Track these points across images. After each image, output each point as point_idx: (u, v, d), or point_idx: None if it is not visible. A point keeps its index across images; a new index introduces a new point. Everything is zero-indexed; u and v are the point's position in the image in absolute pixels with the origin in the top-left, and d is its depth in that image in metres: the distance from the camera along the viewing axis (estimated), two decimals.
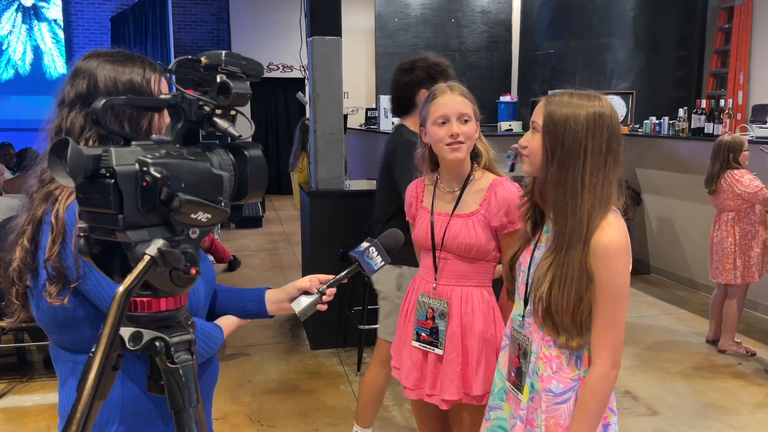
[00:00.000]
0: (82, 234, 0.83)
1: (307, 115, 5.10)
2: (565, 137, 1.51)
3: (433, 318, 2.01)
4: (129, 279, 0.75)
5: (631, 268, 1.56)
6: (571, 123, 1.51)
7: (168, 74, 1.13)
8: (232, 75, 0.91)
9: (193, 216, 0.81)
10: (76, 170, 0.73)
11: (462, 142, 1.93)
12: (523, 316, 1.69)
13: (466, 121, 1.93)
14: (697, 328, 4.69)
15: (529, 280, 1.66)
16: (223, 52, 0.91)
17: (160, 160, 0.79)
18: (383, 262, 1.50)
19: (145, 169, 0.77)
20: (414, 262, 2.23)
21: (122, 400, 1.26)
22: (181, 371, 0.84)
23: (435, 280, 2.02)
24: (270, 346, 4.38)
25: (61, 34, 11.96)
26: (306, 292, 1.49)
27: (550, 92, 1.61)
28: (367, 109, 9.58)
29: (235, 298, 1.54)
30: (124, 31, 11.30)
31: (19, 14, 11.82)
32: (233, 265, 6.46)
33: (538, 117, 1.56)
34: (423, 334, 2.03)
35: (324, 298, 1.47)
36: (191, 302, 1.33)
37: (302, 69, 4.68)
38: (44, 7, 11.88)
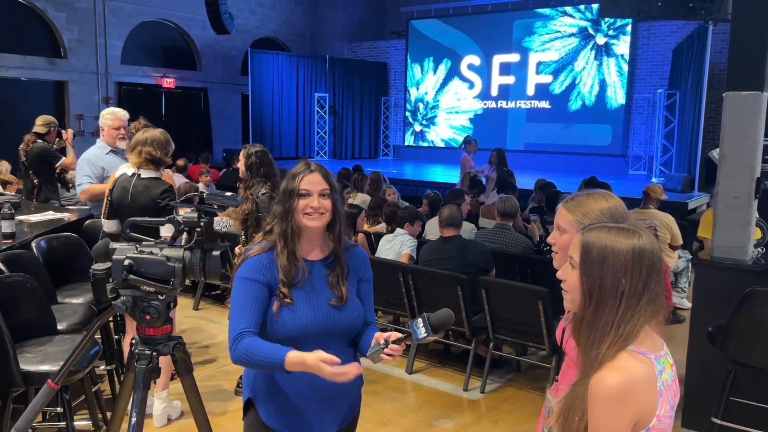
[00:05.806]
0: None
1: None
2: (604, 277, 1.42)
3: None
4: (104, 314, 1.52)
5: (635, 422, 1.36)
6: (610, 262, 1.42)
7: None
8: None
9: (142, 287, 1.51)
10: (97, 254, 1.55)
11: None
12: None
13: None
14: None
15: None
16: (206, 193, 1.56)
17: (134, 255, 1.52)
18: (426, 334, 1.70)
19: (123, 258, 1.52)
20: None
21: (254, 375, 1.97)
22: (136, 371, 1.55)
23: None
24: None
25: (626, 68, 12.88)
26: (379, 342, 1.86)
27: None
28: None
29: (369, 339, 2.04)
30: (681, 60, 11.32)
31: (593, 52, 13.31)
32: None
33: (574, 251, 1.49)
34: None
35: (386, 350, 1.78)
36: (287, 328, 1.90)
37: None
38: (614, 44, 13.02)
